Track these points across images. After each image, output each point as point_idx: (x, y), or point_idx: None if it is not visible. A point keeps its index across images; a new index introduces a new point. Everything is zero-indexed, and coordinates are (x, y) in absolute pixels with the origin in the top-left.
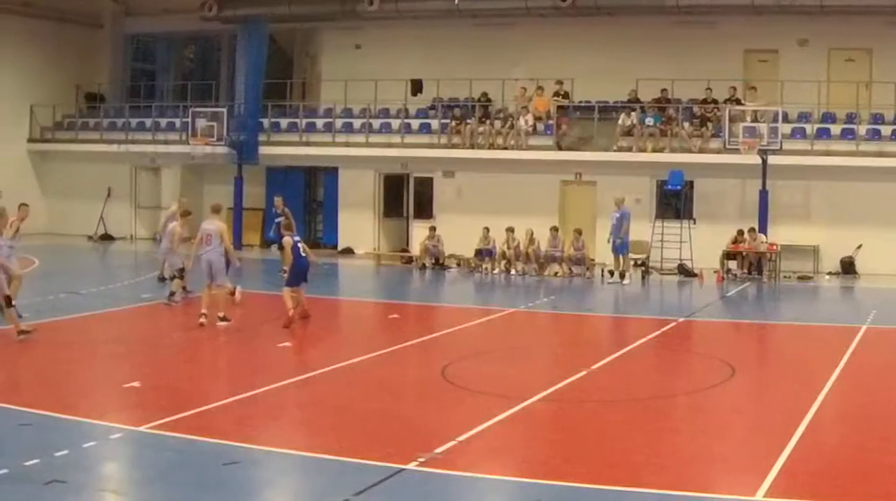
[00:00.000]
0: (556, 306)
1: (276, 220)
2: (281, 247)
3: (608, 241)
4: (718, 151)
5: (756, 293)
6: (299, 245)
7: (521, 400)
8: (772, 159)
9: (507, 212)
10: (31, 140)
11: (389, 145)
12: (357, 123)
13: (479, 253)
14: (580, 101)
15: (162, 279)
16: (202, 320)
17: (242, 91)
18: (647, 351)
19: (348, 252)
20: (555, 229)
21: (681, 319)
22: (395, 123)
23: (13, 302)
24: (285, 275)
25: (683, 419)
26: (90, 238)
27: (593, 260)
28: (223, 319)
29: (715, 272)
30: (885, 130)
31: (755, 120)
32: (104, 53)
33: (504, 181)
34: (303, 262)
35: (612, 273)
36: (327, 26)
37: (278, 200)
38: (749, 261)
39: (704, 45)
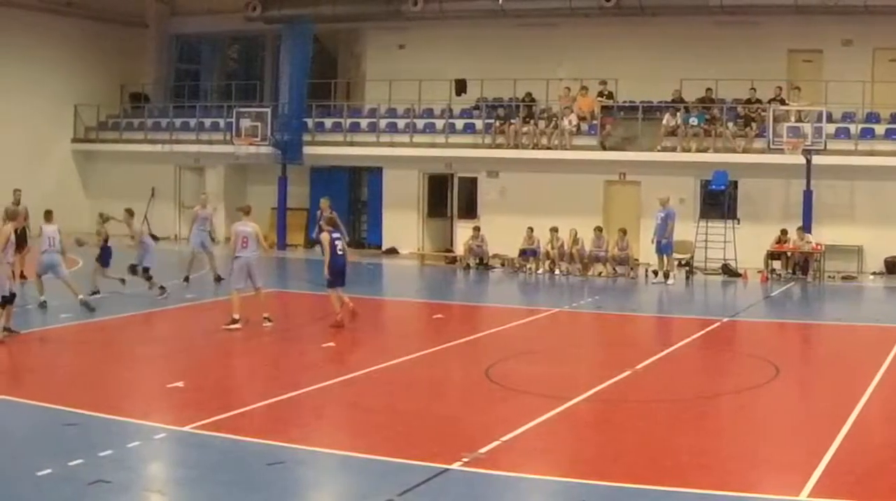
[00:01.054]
0: (600, 306)
1: (320, 223)
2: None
3: (652, 242)
4: (762, 151)
5: (800, 293)
6: (337, 242)
7: (565, 400)
8: (816, 159)
9: (550, 212)
10: (75, 140)
11: (433, 145)
12: (401, 123)
13: (523, 253)
14: (624, 101)
15: (219, 279)
16: (237, 326)
17: (287, 91)
18: (691, 352)
19: (392, 252)
20: (599, 229)
21: (725, 319)
22: (440, 123)
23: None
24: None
25: (727, 419)
26: (133, 238)
27: (637, 260)
28: (268, 320)
29: (759, 272)
30: None
31: (799, 120)
32: (149, 53)
33: (548, 181)
34: (339, 261)
35: (656, 273)
36: (372, 26)
37: (324, 203)
38: (793, 261)
39: (748, 45)
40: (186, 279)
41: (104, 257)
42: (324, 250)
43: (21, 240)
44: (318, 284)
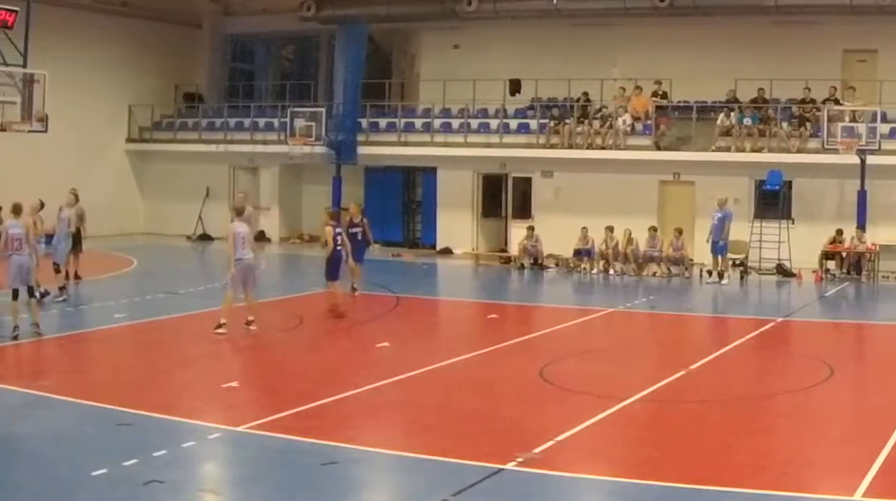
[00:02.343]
0: (654, 306)
1: (352, 230)
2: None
3: (707, 241)
4: (817, 151)
5: (855, 293)
6: (338, 237)
7: (619, 400)
8: (870, 159)
9: (605, 211)
10: (129, 140)
11: (488, 145)
12: (455, 123)
13: (577, 252)
14: (679, 101)
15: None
16: (222, 330)
17: (341, 91)
18: (745, 351)
19: (447, 252)
20: (653, 229)
21: (779, 319)
22: (494, 123)
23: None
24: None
25: (782, 419)
26: (188, 238)
27: (692, 260)
28: (249, 323)
29: (813, 272)
30: None
31: (854, 120)
32: (203, 53)
33: (602, 181)
34: (338, 254)
35: (710, 273)
36: (426, 26)
37: (354, 208)
38: (848, 262)
39: (803, 45)
40: None
41: None
42: (326, 242)
43: (76, 241)
44: (373, 284)
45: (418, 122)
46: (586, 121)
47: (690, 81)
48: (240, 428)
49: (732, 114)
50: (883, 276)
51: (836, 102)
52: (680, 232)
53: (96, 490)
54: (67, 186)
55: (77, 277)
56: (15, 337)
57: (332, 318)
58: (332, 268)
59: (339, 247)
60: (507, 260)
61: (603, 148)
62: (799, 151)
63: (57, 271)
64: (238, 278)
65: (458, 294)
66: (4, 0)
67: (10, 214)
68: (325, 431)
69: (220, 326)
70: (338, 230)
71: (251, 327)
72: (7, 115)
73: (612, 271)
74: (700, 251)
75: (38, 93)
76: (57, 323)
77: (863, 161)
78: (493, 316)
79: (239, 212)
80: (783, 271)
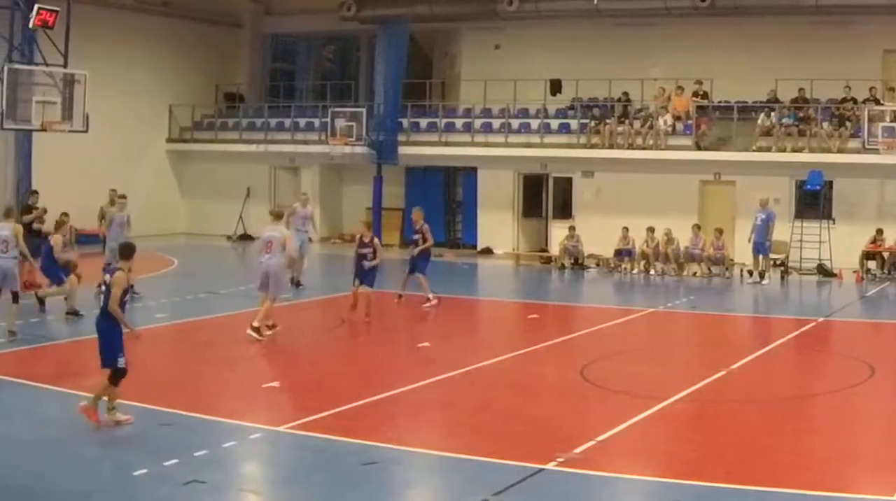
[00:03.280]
0: (695, 306)
1: (414, 237)
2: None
3: (749, 241)
4: (857, 151)
5: (895, 293)
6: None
7: (660, 400)
8: None
9: (645, 211)
10: (170, 140)
11: (528, 145)
12: (496, 123)
13: (618, 253)
14: (719, 101)
15: (298, 284)
16: (270, 332)
17: (382, 91)
18: (786, 351)
19: (487, 252)
20: (697, 227)
21: (820, 319)
22: (535, 123)
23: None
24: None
25: (823, 419)
26: (229, 238)
27: (732, 260)
28: (256, 330)
29: (854, 272)
30: None
31: (894, 120)
32: (243, 53)
33: (643, 181)
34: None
35: (751, 273)
36: (467, 26)
37: (417, 213)
38: (889, 262)
39: (843, 45)
40: (298, 284)
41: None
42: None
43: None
44: (413, 284)
45: (459, 122)
46: (627, 121)
47: (731, 81)
48: (280, 428)
49: (773, 113)
50: None
51: (877, 102)
52: (721, 232)
53: (138, 489)
54: (108, 186)
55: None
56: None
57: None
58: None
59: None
60: (548, 261)
61: (644, 148)
62: (839, 151)
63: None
64: (260, 280)
65: (499, 294)
66: (45, 0)
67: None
68: (366, 431)
69: (269, 328)
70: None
71: (260, 334)
72: (48, 115)
73: (652, 271)
74: (741, 251)
75: (79, 93)
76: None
77: None
78: (534, 316)
79: (277, 216)
80: (824, 271)
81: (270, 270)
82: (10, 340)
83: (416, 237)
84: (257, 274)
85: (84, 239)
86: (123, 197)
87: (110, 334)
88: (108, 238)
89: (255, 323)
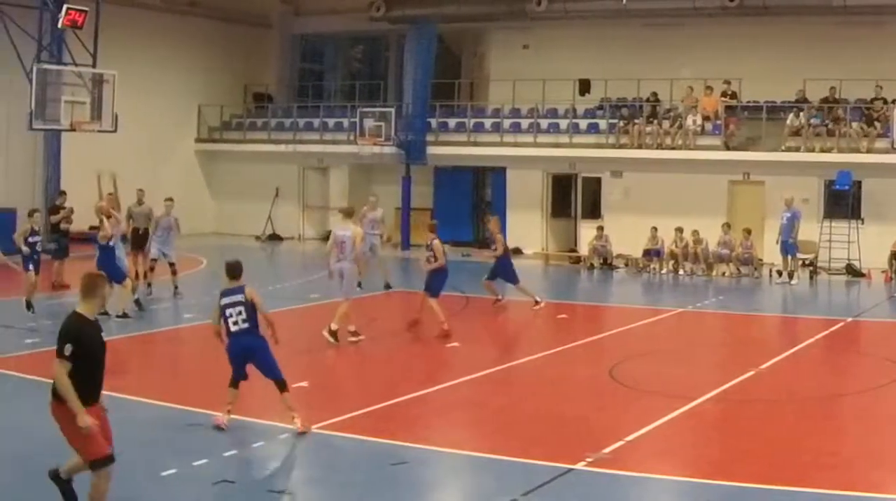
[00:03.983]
0: (724, 306)
1: (492, 247)
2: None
3: (777, 242)
4: (887, 151)
5: None
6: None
7: (689, 400)
8: None
9: (674, 212)
10: (198, 140)
11: (557, 145)
12: (525, 123)
13: (647, 253)
14: (748, 101)
15: (388, 286)
16: (354, 338)
17: (410, 91)
18: (815, 352)
19: (516, 252)
20: (727, 225)
21: (849, 319)
22: (563, 123)
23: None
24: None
25: (852, 419)
26: (258, 238)
27: (761, 260)
28: (333, 333)
29: (883, 272)
30: None
31: None
32: (272, 53)
33: (672, 181)
34: (447, 270)
35: (780, 273)
36: (495, 26)
37: (493, 222)
38: None
39: (872, 45)
40: (388, 286)
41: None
42: (438, 257)
43: (144, 241)
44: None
45: (488, 122)
46: (656, 121)
47: (760, 81)
48: (310, 428)
49: (802, 113)
50: None
51: None
52: (749, 232)
53: (167, 489)
54: (137, 186)
55: (145, 276)
56: None
57: (441, 337)
58: (441, 283)
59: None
60: (577, 261)
61: (672, 148)
62: (868, 151)
63: (173, 272)
64: (334, 282)
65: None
66: (74, 0)
67: None
68: (396, 431)
69: (353, 335)
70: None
71: (336, 338)
72: (77, 115)
73: (681, 271)
74: (769, 251)
75: (108, 93)
76: (127, 323)
77: None
78: (563, 316)
79: (347, 214)
80: (853, 271)
81: (344, 270)
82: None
83: (493, 246)
84: (331, 275)
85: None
86: (170, 199)
87: (266, 349)
88: (156, 240)
89: (333, 326)
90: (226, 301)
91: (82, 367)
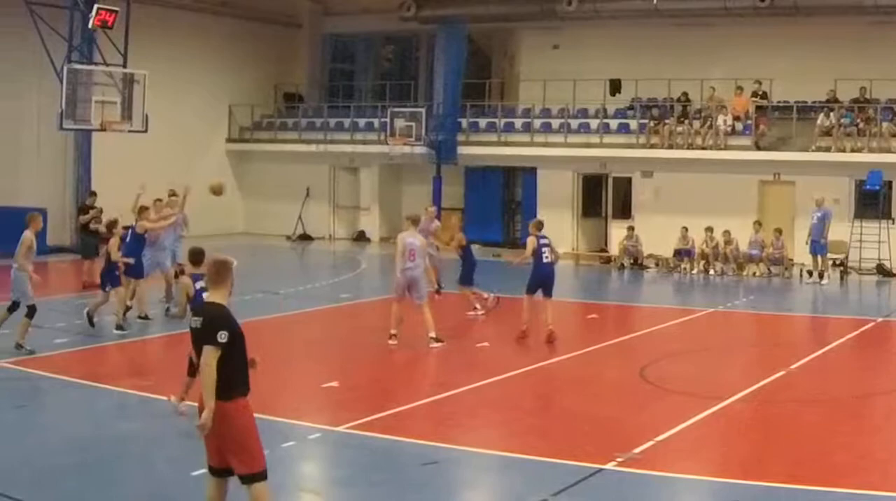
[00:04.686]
0: (754, 306)
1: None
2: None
3: (806, 242)
4: None
5: None
6: (544, 249)
7: (719, 400)
8: None
9: (705, 211)
10: (229, 140)
11: (588, 145)
12: (555, 123)
13: (677, 253)
14: (779, 101)
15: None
16: (392, 341)
17: (441, 91)
18: (845, 351)
19: None
20: (758, 223)
21: (879, 319)
22: (594, 123)
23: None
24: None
25: (882, 419)
26: (288, 238)
27: (792, 260)
28: (436, 340)
29: None
30: None
31: None
32: (303, 53)
33: (702, 181)
34: (545, 269)
35: (810, 273)
36: (526, 26)
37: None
38: None
39: None
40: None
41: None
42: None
43: None
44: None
45: (518, 122)
46: (686, 121)
47: (790, 81)
48: (340, 428)
49: (832, 113)
50: None
51: None
52: (780, 232)
53: (196, 489)
54: (168, 186)
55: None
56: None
57: (518, 340)
58: (533, 282)
59: (546, 260)
60: (607, 261)
61: (703, 148)
62: None
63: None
64: (401, 287)
65: (558, 294)
66: (105, 0)
67: None
68: (425, 431)
69: (391, 336)
70: (543, 240)
71: (437, 344)
72: (107, 115)
73: (712, 271)
74: (800, 251)
75: (138, 93)
76: (158, 323)
77: None
78: (593, 316)
79: (414, 222)
80: (883, 271)
81: (416, 276)
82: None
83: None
84: (397, 283)
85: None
86: (174, 194)
87: None
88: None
89: (432, 334)
90: (200, 285)
91: (235, 355)
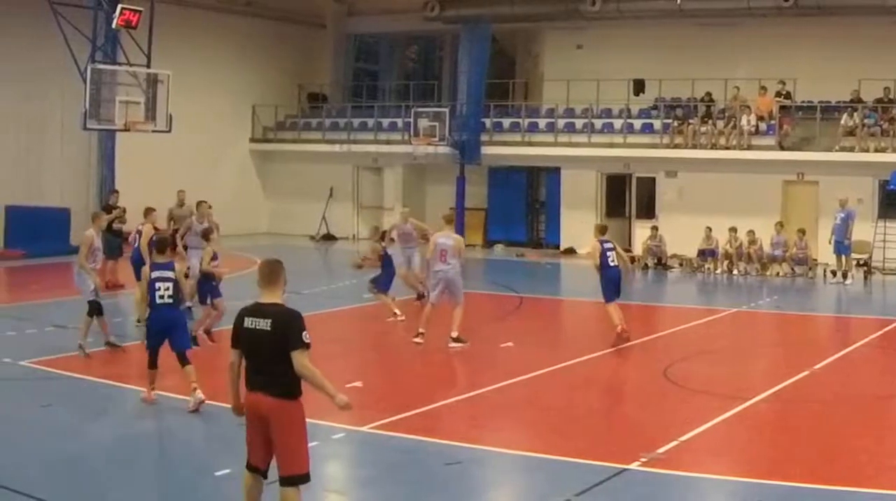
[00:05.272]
0: (778, 306)
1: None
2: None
3: (829, 242)
4: None
5: None
6: (609, 253)
7: (743, 400)
8: None
9: (728, 211)
10: (253, 140)
11: (611, 145)
12: (579, 123)
13: (701, 253)
14: (802, 101)
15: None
16: (418, 339)
17: (465, 91)
18: (869, 352)
19: (570, 252)
20: (780, 224)
21: None
22: (618, 123)
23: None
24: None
25: None
26: (312, 238)
27: (816, 260)
28: (457, 340)
29: None
30: None
31: None
32: (326, 53)
33: (726, 181)
34: (613, 272)
35: (834, 273)
36: (549, 26)
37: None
38: None
39: None
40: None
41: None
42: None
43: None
44: (497, 284)
45: (542, 122)
46: (710, 121)
47: (814, 81)
48: (364, 428)
49: (856, 113)
50: None
51: None
52: (803, 232)
53: (220, 490)
54: (192, 187)
55: (185, 276)
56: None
57: (617, 345)
58: (605, 288)
59: (612, 264)
60: (631, 261)
61: (727, 148)
62: None
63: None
64: (438, 289)
65: (582, 294)
66: (129, 0)
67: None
68: (449, 431)
69: (417, 335)
70: (607, 245)
71: (456, 344)
72: (131, 115)
73: (735, 271)
74: (824, 251)
75: (162, 93)
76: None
77: None
78: None
79: (449, 221)
80: None
81: (450, 277)
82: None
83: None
84: (434, 284)
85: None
86: (182, 192)
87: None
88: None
89: (454, 334)
90: (156, 274)
91: None
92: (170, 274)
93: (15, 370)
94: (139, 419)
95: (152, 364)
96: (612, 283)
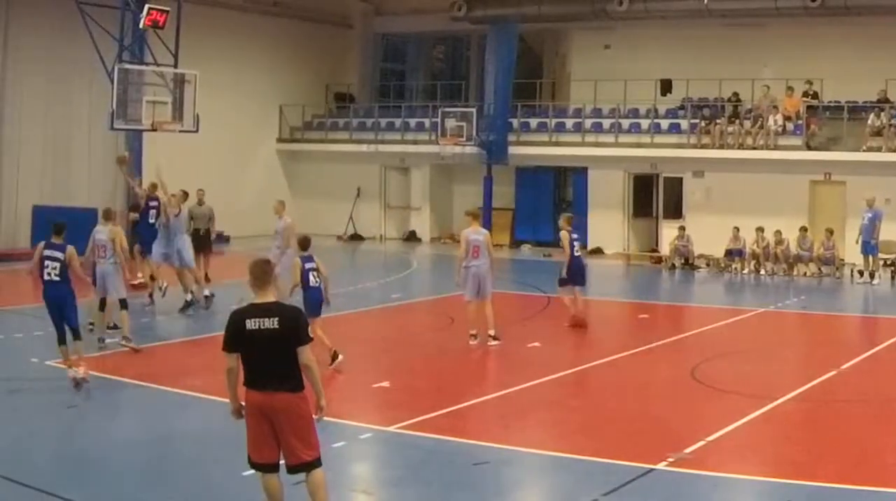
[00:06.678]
0: (805, 306)
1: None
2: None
3: (856, 242)
4: None
5: None
6: (575, 243)
7: (771, 400)
8: None
9: (756, 211)
10: (280, 140)
11: (639, 145)
12: (606, 123)
13: (728, 253)
14: (829, 101)
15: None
16: (473, 341)
17: (492, 91)
18: None
19: (598, 252)
20: (804, 229)
21: None
22: (645, 123)
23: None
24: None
25: None
26: (339, 238)
27: (843, 260)
28: (495, 338)
29: None
30: None
31: None
32: (354, 53)
33: (753, 181)
34: (577, 261)
35: (861, 273)
36: (577, 26)
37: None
38: None
39: None
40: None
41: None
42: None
43: (205, 242)
44: (524, 284)
45: (569, 122)
46: (737, 121)
47: (841, 81)
48: (391, 428)
49: (883, 113)
50: None
51: None
52: (831, 232)
53: (247, 490)
54: (218, 186)
55: (207, 280)
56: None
57: (572, 328)
58: (567, 275)
59: (577, 254)
60: (658, 261)
61: (754, 148)
62: None
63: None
64: (470, 285)
65: (609, 293)
66: (156, 1)
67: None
68: (477, 431)
69: (471, 337)
70: (574, 235)
71: (495, 342)
72: (158, 115)
73: (762, 271)
74: (851, 251)
75: (189, 93)
76: (204, 323)
77: None
78: (644, 316)
79: (475, 217)
80: None
81: (482, 272)
82: (125, 345)
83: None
84: (467, 282)
85: None
86: (201, 191)
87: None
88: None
89: (491, 332)
90: (47, 253)
91: None
92: (59, 254)
93: (42, 370)
94: (164, 419)
95: (62, 339)
96: (579, 271)
